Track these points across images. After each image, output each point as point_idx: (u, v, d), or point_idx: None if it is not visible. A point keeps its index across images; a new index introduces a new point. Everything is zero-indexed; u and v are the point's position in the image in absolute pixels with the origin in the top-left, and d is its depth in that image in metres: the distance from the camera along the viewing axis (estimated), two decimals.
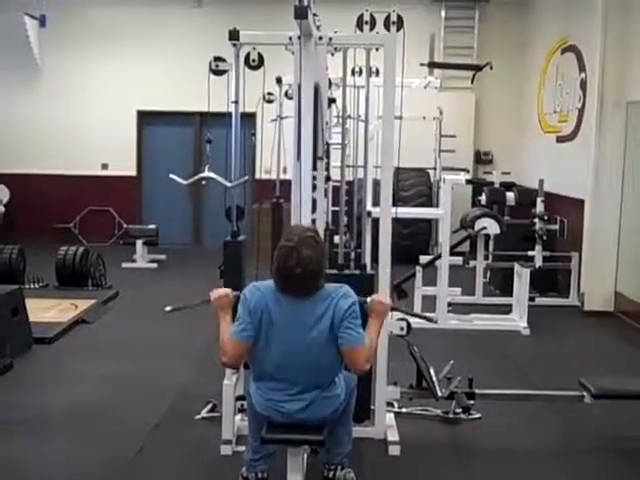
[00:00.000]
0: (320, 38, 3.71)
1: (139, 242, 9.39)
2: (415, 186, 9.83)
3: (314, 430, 3.03)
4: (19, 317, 5.55)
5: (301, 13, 3.13)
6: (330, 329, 2.96)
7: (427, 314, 3.85)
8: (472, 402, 4.23)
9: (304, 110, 3.50)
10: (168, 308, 3.39)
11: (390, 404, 4.31)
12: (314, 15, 3.70)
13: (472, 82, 9.07)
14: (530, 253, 7.44)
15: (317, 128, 3.71)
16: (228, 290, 3.24)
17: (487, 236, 7.45)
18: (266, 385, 3.06)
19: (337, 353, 3.05)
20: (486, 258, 7.80)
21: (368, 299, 3.17)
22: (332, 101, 5.35)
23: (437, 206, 8.42)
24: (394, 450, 3.89)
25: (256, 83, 4.42)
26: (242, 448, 3.57)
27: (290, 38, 3.68)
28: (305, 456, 3.37)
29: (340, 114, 5.14)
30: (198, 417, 4.28)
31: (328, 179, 4.71)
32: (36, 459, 3.76)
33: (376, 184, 5.39)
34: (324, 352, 2.99)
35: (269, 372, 3.04)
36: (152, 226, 9.73)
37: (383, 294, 3.58)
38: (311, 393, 3.02)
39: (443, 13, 10.65)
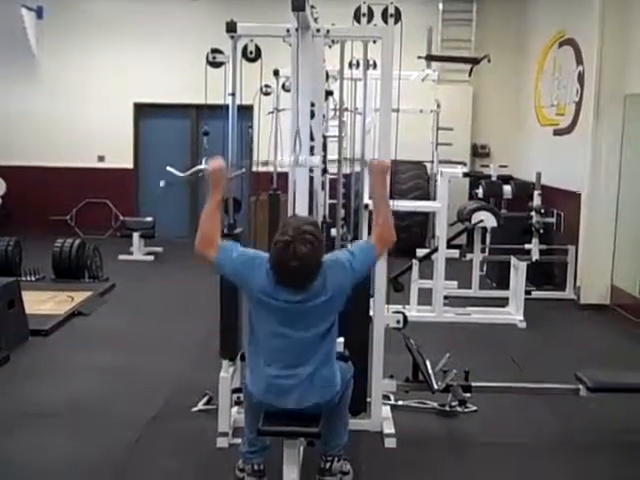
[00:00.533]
0: (318, 30, 3.70)
1: (136, 234, 9.37)
2: (412, 179, 9.81)
3: (310, 422, 3.03)
4: (15, 309, 5.55)
5: (298, 5, 3.13)
6: (325, 300, 2.97)
7: None
8: (468, 395, 4.24)
9: (301, 102, 3.49)
10: (162, 183, 3.43)
11: (386, 397, 4.32)
12: (311, 7, 3.70)
13: (470, 75, 9.07)
14: (527, 246, 7.44)
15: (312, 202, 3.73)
16: (224, 166, 3.32)
17: (484, 229, 7.45)
18: (262, 361, 3.04)
19: (334, 333, 3.08)
20: (483, 251, 7.81)
21: (367, 161, 3.19)
22: (329, 94, 5.34)
23: (434, 199, 8.41)
24: (390, 442, 3.90)
25: (253, 75, 4.41)
26: (238, 440, 3.57)
27: (288, 30, 3.67)
28: (301, 448, 3.38)
29: (337, 107, 5.13)
30: (194, 409, 4.28)
31: (325, 172, 4.71)
32: (34, 451, 3.76)
33: None
34: (321, 329, 3.00)
35: (265, 354, 3.03)
36: (149, 218, 9.71)
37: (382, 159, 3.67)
38: (308, 370, 2.99)
39: (441, 6, 10.60)
